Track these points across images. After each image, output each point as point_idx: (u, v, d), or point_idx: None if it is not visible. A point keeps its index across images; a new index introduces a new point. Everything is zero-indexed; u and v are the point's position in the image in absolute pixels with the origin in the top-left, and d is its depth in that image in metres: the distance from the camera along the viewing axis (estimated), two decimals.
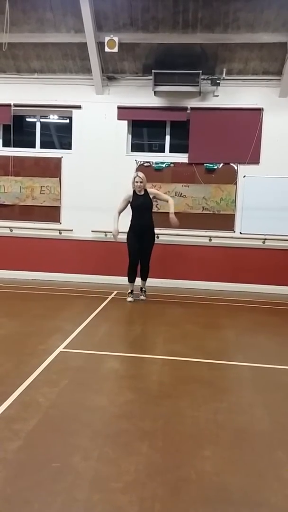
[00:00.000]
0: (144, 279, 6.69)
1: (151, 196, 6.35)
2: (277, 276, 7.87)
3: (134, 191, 6.34)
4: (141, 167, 8.09)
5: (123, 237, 6.59)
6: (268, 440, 2.55)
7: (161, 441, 2.46)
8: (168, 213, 6.34)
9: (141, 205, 6.28)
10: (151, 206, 6.39)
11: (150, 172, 7.99)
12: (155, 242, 6.63)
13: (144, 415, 2.78)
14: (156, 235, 6.61)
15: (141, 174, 6.31)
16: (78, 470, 2.14)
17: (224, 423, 2.73)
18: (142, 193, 6.32)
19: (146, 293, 6.72)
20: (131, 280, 6.56)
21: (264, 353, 4.34)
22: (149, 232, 6.40)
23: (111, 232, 8.06)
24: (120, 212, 6.44)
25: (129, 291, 6.57)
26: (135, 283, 6.63)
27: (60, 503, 1.90)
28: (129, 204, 6.37)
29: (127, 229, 6.52)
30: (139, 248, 6.39)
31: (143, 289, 6.72)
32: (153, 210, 6.57)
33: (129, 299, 6.48)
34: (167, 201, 6.40)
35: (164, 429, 2.61)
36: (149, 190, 6.40)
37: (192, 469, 2.20)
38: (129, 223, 6.44)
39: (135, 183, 6.26)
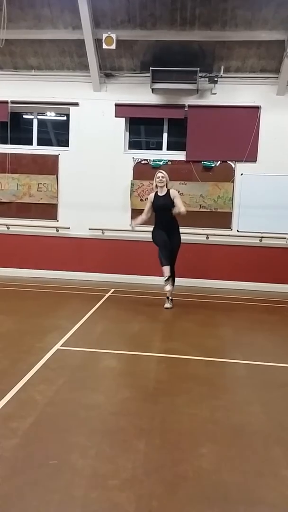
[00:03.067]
0: (171, 282, 5.95)
1: (172, 198, 5.95)
2: (274, 274, 7.89)
3: (156, 193, 6.03)
4: (138, 165, 8.09)
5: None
6: (265, 437, 2.55)
7: (158, 439, 2.46)
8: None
9: (161, 206, 5.92)
10: (171, 206, 5.92)
11: (147, 169, 7.99)
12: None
13: (141, 412, 2.78)
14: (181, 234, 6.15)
15: (163, 171, 6.06)
16: (75, 468, 2.14)
17: (221, 420, 2.74)
18: (164, 193, 5.98)
19: (173, 301, 6.09)
20: (166, 263, 5.78)
21: (261, 351, 4.35)
22: (173, 226, 5.99)
23: (108, 229, 8.12)
24: (147, 214, 6.04)
25: (166, 277, 5.80)
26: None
27: (58, 500, 1.90)
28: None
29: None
30: (167, 240, 5.90)
31: (169, 297, 6.07)
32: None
33: (167, 287, 5.83)
34: (178, 209, 5.92)
35: (161, 426, 2.61)
36: (171, 191, 6.04)
37: (189, 466, 2.20)
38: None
39: (157, 179, 5.95)
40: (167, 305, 6.02)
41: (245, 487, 2.06)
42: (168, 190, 6.04)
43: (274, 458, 2.33)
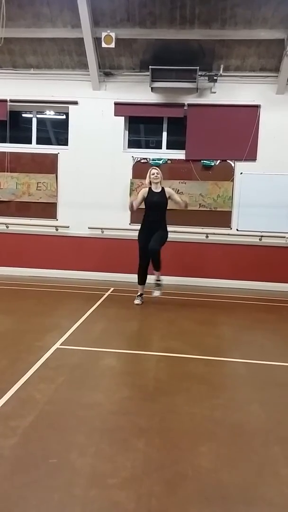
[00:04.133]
0: (155, 268, 5.93)
1: (167, 196, 5.93)
2: (273, 273, 7.89)
3: (149, 188, 5.96)
4: (138, 164, 8.09)
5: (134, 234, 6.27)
6: (265, 436, 2.56)
7: (158, 438, 2.46)
8: (177, 210, 6.27)
9: (156, 202, 5.86)
10: (165, 205, 5.95)
11: (147, 168, 7.96)
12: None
13: (140, 411, 2.78)
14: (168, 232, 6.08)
15: (157, 167, 6.02)
16: (75, 466, 2.14)
17: (220, 419, 2.74)
18: (159, 190, 5.92)
19: (162, 286, 6.02)
20: (140, 282, 6.09)
21: (260, 350, 4.35)
22: (160, 227, 5.93)
23: (107, 228, 8.12)
24: (135, 204, 5.85)
25: (138, 293, 6.14)
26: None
27: (57, 499, 1.90)
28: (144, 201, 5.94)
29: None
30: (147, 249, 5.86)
31: (158, 281, 6.00)
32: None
33: (137, 301, 6.06)
34: (180, 204, 6.01)
35: (160, 425, 2.61)
36: (166, 189, 5.99)
37: (189, 465, 2.20)
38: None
39: (151, 175, 5.88)
40: (155, 293, 6.07)
41: (245, 485, 2.06)
42: (163, 188, 6.00)
43: (273, 457, 2.33)
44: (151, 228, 5.91)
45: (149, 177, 5.96)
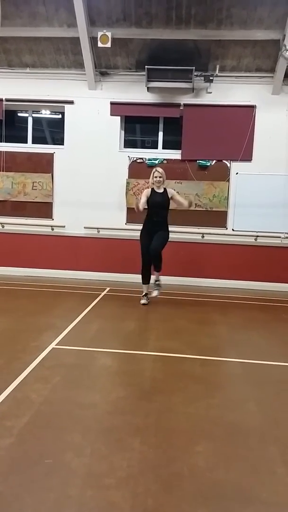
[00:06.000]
0: (156, 268, 6.04)
1: (169, 196, 6.00)
2: (269, 273, 7.91)
3: (152, 189, 6.02)
4: (134, 164, 8.08)
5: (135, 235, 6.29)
6: (261, 435, 2.56)
7: (154, 437, 2.46)
8: (172, 209, 6.23)
9: (158, 202, 5.92)
10: (168, 205, 6.01)
11: (143, 168, 7.98)
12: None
13: (136, 411, 2.78)
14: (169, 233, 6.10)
15: (160, 169, 6.02)
16: (70, 467, 2.14)
17: (216, 418, 2.74)
18: (161, 190, 5.99)
19: (161, 287, 6.07)
20: (145, 282, 6.17)
21: (256, 349, 4.36)
22: (162, 227, 5.98)
23: (103, 228, 8.11)
24: (140, 206, 5.88)
25: (143, 293, 6.18)
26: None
27: (53, 499, 1.89)
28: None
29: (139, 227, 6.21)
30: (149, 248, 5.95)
31: (157, 281, 6.08)
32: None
33: (143, 301, 6.10)
34: (183, 204, 6.07)
35: (156, 425, 2.61)
36: (168, 190, 6.06)
37: (185, 464, 2.20)
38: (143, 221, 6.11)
39: (154, 178, 5.96)
40: (153, 293, 6.07)
41: (240, 484, 2.06)
42: (165, 189, 6.05)
43: (269, 456, 2.34)
44: (153, 229, 5.95)
45: (152, 178, 6.01)
